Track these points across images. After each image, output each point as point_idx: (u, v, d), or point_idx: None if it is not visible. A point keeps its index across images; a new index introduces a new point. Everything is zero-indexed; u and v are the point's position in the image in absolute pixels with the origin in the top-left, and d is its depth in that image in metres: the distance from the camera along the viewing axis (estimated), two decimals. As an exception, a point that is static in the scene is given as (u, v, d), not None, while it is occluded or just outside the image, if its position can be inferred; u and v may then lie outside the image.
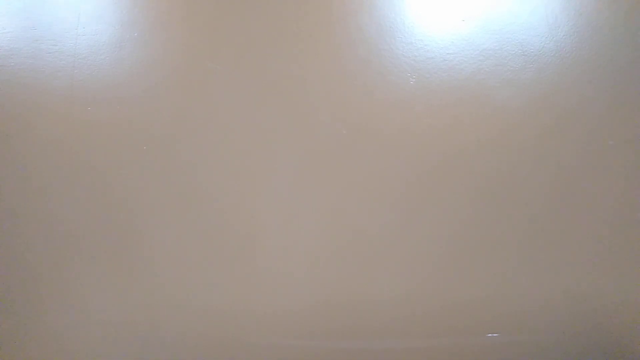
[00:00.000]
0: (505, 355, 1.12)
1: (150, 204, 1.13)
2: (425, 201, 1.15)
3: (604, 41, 1.22)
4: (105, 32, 1.20)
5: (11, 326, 1.09)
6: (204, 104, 1.17)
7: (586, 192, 1.16)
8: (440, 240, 1.14)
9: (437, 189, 1.15)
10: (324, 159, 1.16)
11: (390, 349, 1.11)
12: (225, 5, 1.23)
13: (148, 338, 1.10)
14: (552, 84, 1.19)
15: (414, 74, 1.19)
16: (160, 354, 1.10)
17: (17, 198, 1.12)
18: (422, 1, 1.25)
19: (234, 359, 1.11)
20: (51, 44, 1.18)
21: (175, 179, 1.14)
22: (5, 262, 1.10)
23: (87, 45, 1.19)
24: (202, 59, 1.19)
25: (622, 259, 1.14)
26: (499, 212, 1.15)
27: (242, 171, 1.15)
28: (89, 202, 1.12)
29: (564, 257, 1.14)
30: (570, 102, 1.19)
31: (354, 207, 1.15)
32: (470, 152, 1.16)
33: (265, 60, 1.20)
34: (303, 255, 1.13)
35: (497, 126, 1.17)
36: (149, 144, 1.15)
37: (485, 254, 1.14)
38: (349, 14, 1.22)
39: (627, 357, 1.12)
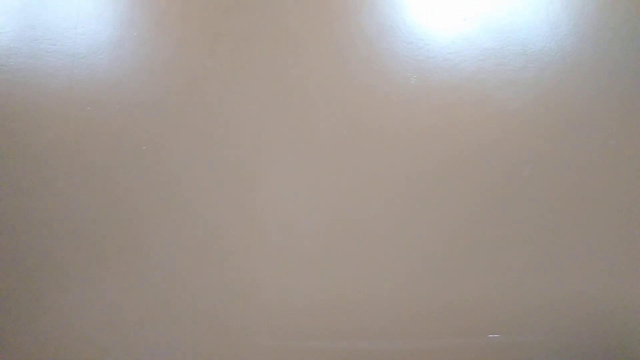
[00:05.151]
0: (506, 356, 1.11)
1: (149, 203, 1.13)
2: (426, 201, 1.15)
3: (605, 41, 1.22)
4: (104, 32, 1.19)
5: (11, 326, 1.09)
6: (203, 104, 1.17)
7: (587, 192, 1.15)
8: (441, 240, 1.14)
9: (438, 188, 1.15)
10: (324, 158, 1.15)
11: (391, 350, 1.11)
12: (224, 5, 1.22)
13: (148, 338, 1.10)
14: (553, 83, 1.19)
15: (414, 74, 1.19)
16: (160, 354, 1.10)
17: (16, 197, 1.11)
18: (423, 0, 1.24)
19: (233, 360, 1.11)
20: (50, 44, 1.18)
21: (174, 178, 1.14)
22: (5, 262, 1.10)
23: (86, 45, 1.18)
24: (202, 58, 1.19)
25: (623, 260, 1.13)
26: (499, 212, 1.14)
27: (242, 170, 1.15)
28: (88, 202, 1.12)
29: (564, 258, 1.13)
30: (571, 102, 1.18)
31: (354, 207, 1.14)
32: (471, 151, 1.16)
33: (265, 60, 1.19)
34: (304, 255, 1.13)
35: (498, 125, 1.17)
36: (148, 143, 1.15)
37: (486, 255, 1.13)
38: (349, 13, 1.22)
39: (628, 358, 1.11)
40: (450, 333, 1.11)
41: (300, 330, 1.11)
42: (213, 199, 1.14)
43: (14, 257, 1.10)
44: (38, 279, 1.10)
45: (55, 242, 1.11)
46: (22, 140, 1.14)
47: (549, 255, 1.13)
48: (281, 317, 1.11)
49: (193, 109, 1.17)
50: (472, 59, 1.20)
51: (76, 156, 1.13)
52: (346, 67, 1.19)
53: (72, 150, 1.14)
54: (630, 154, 1.17)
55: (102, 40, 1.19)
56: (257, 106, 1.17)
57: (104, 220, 1.12)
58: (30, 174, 1.13)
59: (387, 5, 1.23)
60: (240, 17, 1.22)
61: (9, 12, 1.20)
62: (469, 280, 1.13)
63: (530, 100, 1.18)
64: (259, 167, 1.15)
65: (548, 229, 1.14)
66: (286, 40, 1.21)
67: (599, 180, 1.16)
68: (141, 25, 1.20)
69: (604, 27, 1.23)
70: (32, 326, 1.09)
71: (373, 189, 1.15)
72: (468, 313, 1.12)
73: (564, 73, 1.20)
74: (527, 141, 1.17)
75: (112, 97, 1.16)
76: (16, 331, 1.09)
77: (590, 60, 1.21)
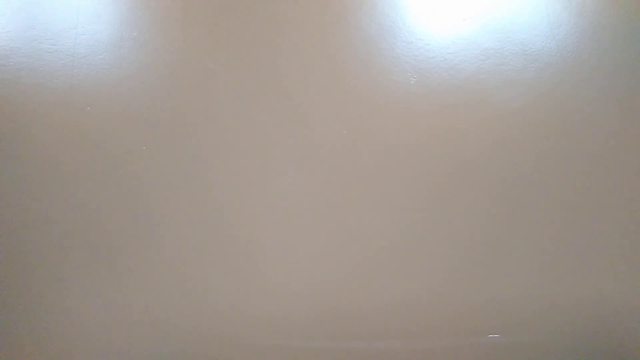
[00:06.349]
0: (506, 356, 1.11)
1: (149, 204, 1.13)
2: (425, 201, 1.15)
3: (605, 40, 1.22)
4: (104, 32, 1.19)
5: (11, 326, 1.09)
6: (203, 104, 1.17)
7: (587, 192, 1.15)
8: (441, 241, 1.14)
9: (437, 189, 1.15)
10: (324, 159, 1.15)
11: (391, 350, 1.11)
12: (224, 5, 1.22)
13: (148, 338, 1.10)
14: (553, 83, 1.19)
15: (414, 74, 1.19)
16: (161, 354, 1.10)
17: (16, 198, 1.11)
18: (423, 0, 1.24)
19: (233, 360, 1.11)
20: (50, 44, 1.18)
21: (174, 178, 1.14)
22: (5, 262, 1.10)
23: (86, 45, 1.18)
24: (202, 58, 1.19)
25: (623, 260, 1.13)
26: (499, 213, 1.14)
27: (242, 171, 1.15)
28: (88, 202, 1.12)
29: (564, 258, 1.13)
30: (571, 102, 1.19)
31: (354, 208, 1.14)
32: (471, 151, 1.16)
33: (265, 60, 1.19)
34: (304, 256, 1.13)
35: (498, 125, 1.17)
36: (148, 143, 1.15)
37: (485, 255, 1.13)
38: (349, 13, 1.22)
39: (629, 359, 1.11)
40: (450, 333, 1.11)
41: (301, 330, 1.11)
42: (213, 199, 1.14)
43: (14, 256, 1.10)
44: (39, 279, 1.10)
45: (55, 241, 1.11)
46: (22, 141, 1.14)
47: (548, 256, 1.13)
48: (281, 317, 1.11)
49: (193, 109, 1.17)
50: (472, 59, 1.20)
51: (76, 156, 1.13)
52: (346, 67, 1.19)
53: (71, 150, 1.14)
54: (630, 154, 1.17)
55: (102, 40, 1.19)
56: (258, 106, 1.17)
57: (104, 220, 1.12)
58: (30, 174, 1.13)
59: (387, 5, 1.23)
60: (241, 17, 1.22)
61: (9, 12, 1.20)
62: (469, 280, 1.13)
63: (530, 100, 1.18)
64: (260, 167, 1.15)
65: (548, 229, 1.14)
66: (286, 41, 1.21)
67: (599, 181, 1.16)
68: (141, 25, 1.20)
69: (604, 26, 1.23)
70: (32, 326, 1.09)
71: (372, 190, 1.15)
72: (468, 313, 1.12)
73: (564, 73, 1.20)
74: (527, 141, 1.17)
75: (112, 97, 1.16)
76: (16, 331, 1.09)
77: (590, 60, 1.21)
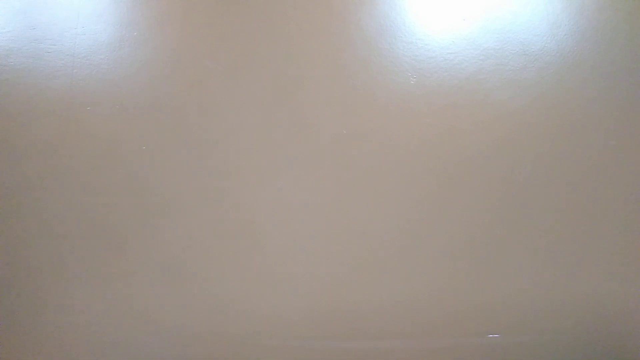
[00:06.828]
0: (506, 356, 1.11)
1: (149, 203, 1.13)
2: (425, 201, 1.14)
3: (605, 41, 1.22)
4: (104, 32, 1.19)
5: (11, 326, 1.09)
6: (203, 104, 1.17)
7: (587, 192, 1.15)
8: (441, 241, 1.14)
9: (437, 189, 1.15)
10: (323, 158, 1.15)
11: (391, 350, 1.11)
12: (224, 5, 1.22)
13: (149, 338, 1.10)
14: (553, 83, 1.19)
15: (414, 74, 1.19)
16: (161, 353, 1.10)
17: (16, 197, 1.11)
18: (423, 0, 1.24)
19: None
20: (50, 44, 1.18)
21: (175, 178, 1.14)
22: (5, 262, 1.10)
23: (86, 45, 1.18)
24: (201, 58, 1.19)
25: (623, 260, 1.13)
26: (499, 212, 1.14)
27: (242, 171, 1.15)
28: (88, 202, 1.12)
29: (564, 258, 1.13)
30: (571, 102, 1.18)
31: (353, 207, 1.14)
32: (471, 150, 1.16)
33: (265, 60, 1.19)
34: (304, 255, 1.13)
35: (498, 125, 1.17)
36: (148, 143, 1.15)
37: (485, 256, 1.13)
38: (349, 13, 1.22)
39: (628, 359, 1.11)
40: (450, 333, 1.11)
41: (301, 330, 1.11)
42: (213, 199, 1.13)
43: (15, 256, 1.10)
44: (39, 279, 1.10)
45: (55, 241, 1.11)
46: (22, 140, 1.14)
47: (548, 256, 1.13)
48: (281, 317, 1.11)
49: (193, 108, 1.17)
50: (472, 59, 1.20)
51: (75, 156, 1.13)
52: (346, 67, 1.19)
53: (71, 149, 1.14)
54: (630, 154, 1.17)
55: (102, 40, 1.19)
56: (257, 105, 1.17)
57: (104, 220, 1.12)
58: (30, 174, 1.12)
59: (387, 5, 1.23)
60: (240, 17, 1.22)
61: (10, 12, 1.20)
62: (469, 280, 1.13)
63: (530, 100, 1.18)
64: (259, 167, 1.15)
65: (547, 229, 1.14)
66: (286, 41, 1.21)
67: (599, 181, 1.16)
68: (141, 25, 1.20)
69: (604, 27, 1.23)
70: (32, 326, 1.09)
71: (373, 189, 1.15)
72: (468, 313, 1.12)
73: (564, 73, 1.20)
74: (527, 141, 1.17)
75: (112, 97, 1.16)
76: (16, 331, 1.09)
77: (590, 60, 1.21)
